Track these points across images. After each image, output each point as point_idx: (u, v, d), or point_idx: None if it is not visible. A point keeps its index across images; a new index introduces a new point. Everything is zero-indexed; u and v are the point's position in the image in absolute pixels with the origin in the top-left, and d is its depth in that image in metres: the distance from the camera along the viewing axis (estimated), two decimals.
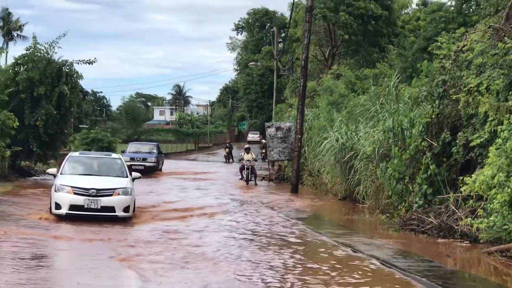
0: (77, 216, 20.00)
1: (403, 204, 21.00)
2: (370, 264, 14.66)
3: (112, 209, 20.35)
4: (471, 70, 19.14)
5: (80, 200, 20.07)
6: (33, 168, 39.11)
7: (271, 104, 77.00)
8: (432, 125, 20.39)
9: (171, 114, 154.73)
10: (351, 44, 56.62)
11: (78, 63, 36.27)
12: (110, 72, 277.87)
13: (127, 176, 22.11)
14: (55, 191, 20.49)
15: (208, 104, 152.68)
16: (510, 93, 16.49)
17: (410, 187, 20.80)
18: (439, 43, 22.75)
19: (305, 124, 35.35)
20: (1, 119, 21.40)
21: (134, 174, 22.88)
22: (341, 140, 28.78)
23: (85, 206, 20.04)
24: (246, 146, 42.08)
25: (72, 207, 20.04)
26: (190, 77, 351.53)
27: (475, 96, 17.94)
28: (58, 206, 20.22)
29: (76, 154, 24.57)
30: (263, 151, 58.59)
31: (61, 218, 20.11)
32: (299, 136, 32.90)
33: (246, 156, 38.68)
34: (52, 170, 23.22)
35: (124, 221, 20.57)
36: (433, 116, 20.33)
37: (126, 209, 20.63)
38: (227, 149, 68.47)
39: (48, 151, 37.07)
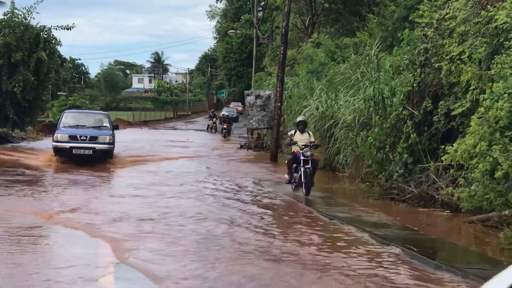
0: None
1: (384, 173, 20.90)
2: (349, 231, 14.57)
3: None
4: (453, 38, 18.92)
5: None
6: (10, 135, 38.86)
7: (250, 73, 76.85)
8: (414, 94, 20.24)
9: (150, 82, 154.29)
10: (331, 12, 56.11)
11: (56, 29, 36.02)
12: (89, 40, 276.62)
13: None
14: None
15: (187, 72, 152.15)
16: (493, 61, 16.31)
17: (390, 156, 20.67)
18: (420, 12, 22.53)
19: (285, 92, 35.18)
20: None
21: None
22: (321, 109, 28.67)
23: None
24: (300, 118, 21.56)
25: None
26: (169, 45, 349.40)
27: (457, 64, 17.75)
28: None
29: None
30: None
31: None
32: (279, 104, 32.71)
33: (301, 138, 20.41)
34: None
35: None
36: (414, 84, 20.18)
37: None
38: (213, 119, 62.95)
39: (25, 118, 36.94)
